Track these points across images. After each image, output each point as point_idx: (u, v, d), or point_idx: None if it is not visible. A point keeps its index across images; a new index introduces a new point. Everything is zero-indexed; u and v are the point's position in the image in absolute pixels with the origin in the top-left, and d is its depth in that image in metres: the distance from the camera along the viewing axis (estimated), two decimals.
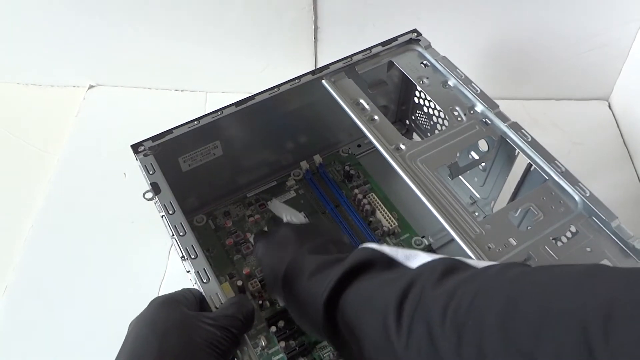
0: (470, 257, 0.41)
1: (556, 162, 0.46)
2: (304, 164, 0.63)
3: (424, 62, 0.56)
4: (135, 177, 0.49)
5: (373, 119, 0.51)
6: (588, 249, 0.42)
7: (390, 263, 0.36)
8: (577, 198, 0.44)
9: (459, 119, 0.51)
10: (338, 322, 0.36)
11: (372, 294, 0.34)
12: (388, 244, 0.57)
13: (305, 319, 0.40)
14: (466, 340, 0.26)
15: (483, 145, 0.53)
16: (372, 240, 0.56)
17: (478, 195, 0.60)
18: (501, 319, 0.25)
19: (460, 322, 0.27)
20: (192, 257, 0.41)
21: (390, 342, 0.31)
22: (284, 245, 0.44)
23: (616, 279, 0.23)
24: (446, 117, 0.52)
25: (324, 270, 0.38)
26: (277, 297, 0.45)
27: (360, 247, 0.39)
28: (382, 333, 0.31)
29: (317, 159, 0.63)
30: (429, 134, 0.64)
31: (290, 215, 0.55)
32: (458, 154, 0.48)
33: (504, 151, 0.52)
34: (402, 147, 0.48)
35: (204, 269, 0.41)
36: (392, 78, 0.61)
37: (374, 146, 0.49)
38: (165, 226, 0.44)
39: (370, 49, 0.57)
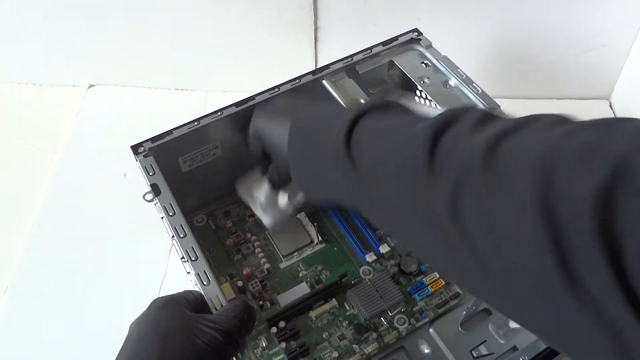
0: None
1: None
2: None
3: (425, 61, 0.56)
4: (135, 177, 0.49)
5: None
6: None
7: (408, 111, 0.35)
8: None
9: None
10: (354, 156, 0.33)
11: (396, 130, 0.32)
12: (388, 244, 0.57)
13: (316, 163, 0.37)
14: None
15: None
16: (373, 241, 0.56)
17: None
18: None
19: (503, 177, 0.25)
20: (193, 258, 0.41)
21: (421, 185, 0.28)
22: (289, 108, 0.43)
23: None
24: None
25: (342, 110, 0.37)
26: (278, 159, 0.43)
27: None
28: (412, 175, 0.29)
29: None
30: None
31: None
32: None
33: None
34: None
35: (204, 271, 0.40)
36: (392, 78, 0.61)
37: None
38: (165, 227, 0.44)
39: (370, 48, 0.56)
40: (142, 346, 0.33)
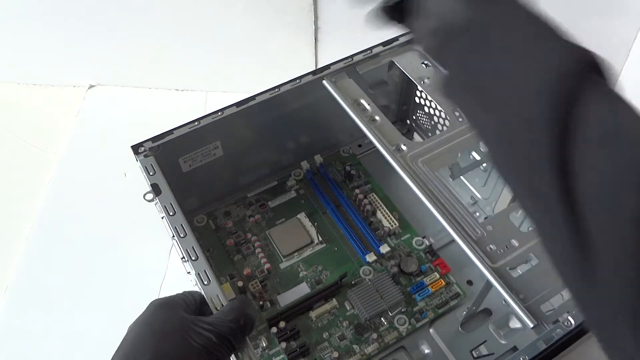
0: (472, 259, 0.41)
1: None
2: (305, 164, 0.63)
3: (425, 62, 0.56)
4: (135, 177, 0.49)
5: (374, 119, 0.51)
6: None
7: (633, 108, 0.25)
8: None
9: (460, 119, 0.51)
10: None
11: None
12: (389, 244, 0.57)
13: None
14: None
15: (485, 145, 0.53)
16: (373, 241, 0.56)
17: (479, 196, 0.60)
18: None
19: None
20: (193, 258, 0.41)
21: None
22: None
23: None
24: (447, 117, 0.52)
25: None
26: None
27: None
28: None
29: (318, 159, 0.63)
30: (430, 134, 0.64)
31: None
32: (459, 155, 0.48)
33: None
34: (403, 147, 0.48)
35: (205, 271, 0.40)
36: (393, 78, 0.61)
37: (375, 146, 0.49)
38: (166, 227, 0.44)
39: (371, 49, 0.56)
40: (137, 346, 0.34)
